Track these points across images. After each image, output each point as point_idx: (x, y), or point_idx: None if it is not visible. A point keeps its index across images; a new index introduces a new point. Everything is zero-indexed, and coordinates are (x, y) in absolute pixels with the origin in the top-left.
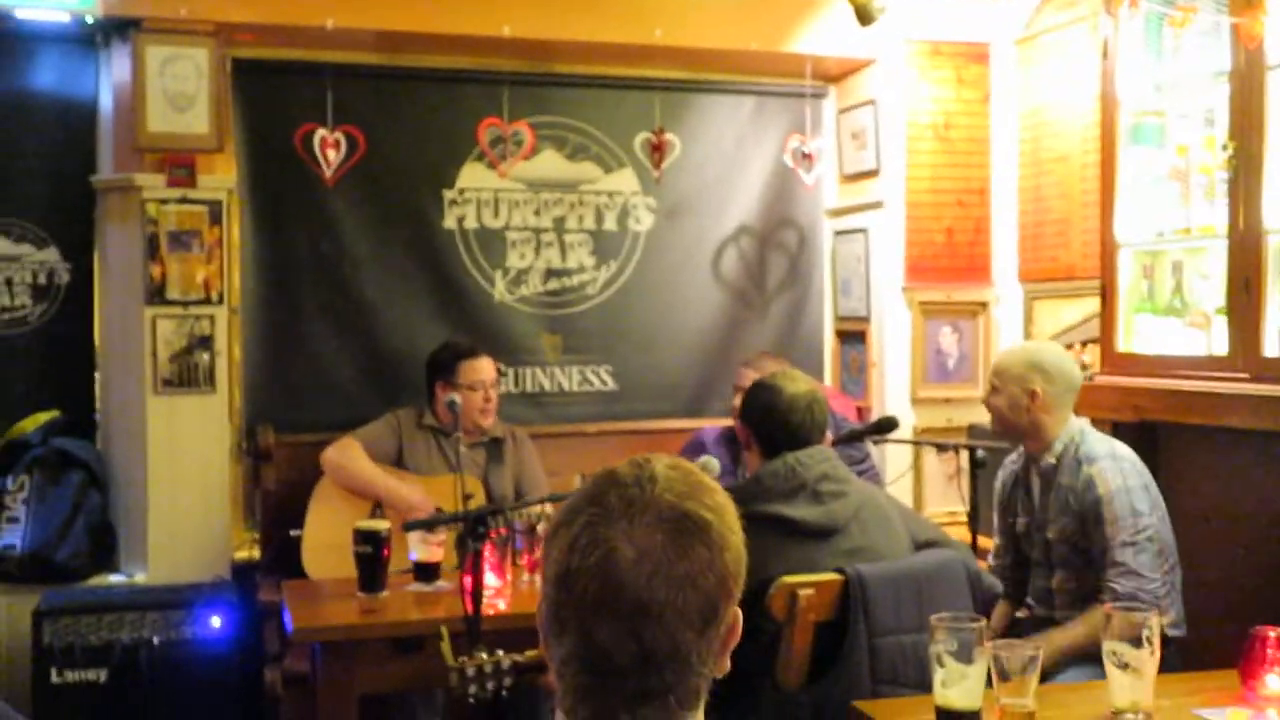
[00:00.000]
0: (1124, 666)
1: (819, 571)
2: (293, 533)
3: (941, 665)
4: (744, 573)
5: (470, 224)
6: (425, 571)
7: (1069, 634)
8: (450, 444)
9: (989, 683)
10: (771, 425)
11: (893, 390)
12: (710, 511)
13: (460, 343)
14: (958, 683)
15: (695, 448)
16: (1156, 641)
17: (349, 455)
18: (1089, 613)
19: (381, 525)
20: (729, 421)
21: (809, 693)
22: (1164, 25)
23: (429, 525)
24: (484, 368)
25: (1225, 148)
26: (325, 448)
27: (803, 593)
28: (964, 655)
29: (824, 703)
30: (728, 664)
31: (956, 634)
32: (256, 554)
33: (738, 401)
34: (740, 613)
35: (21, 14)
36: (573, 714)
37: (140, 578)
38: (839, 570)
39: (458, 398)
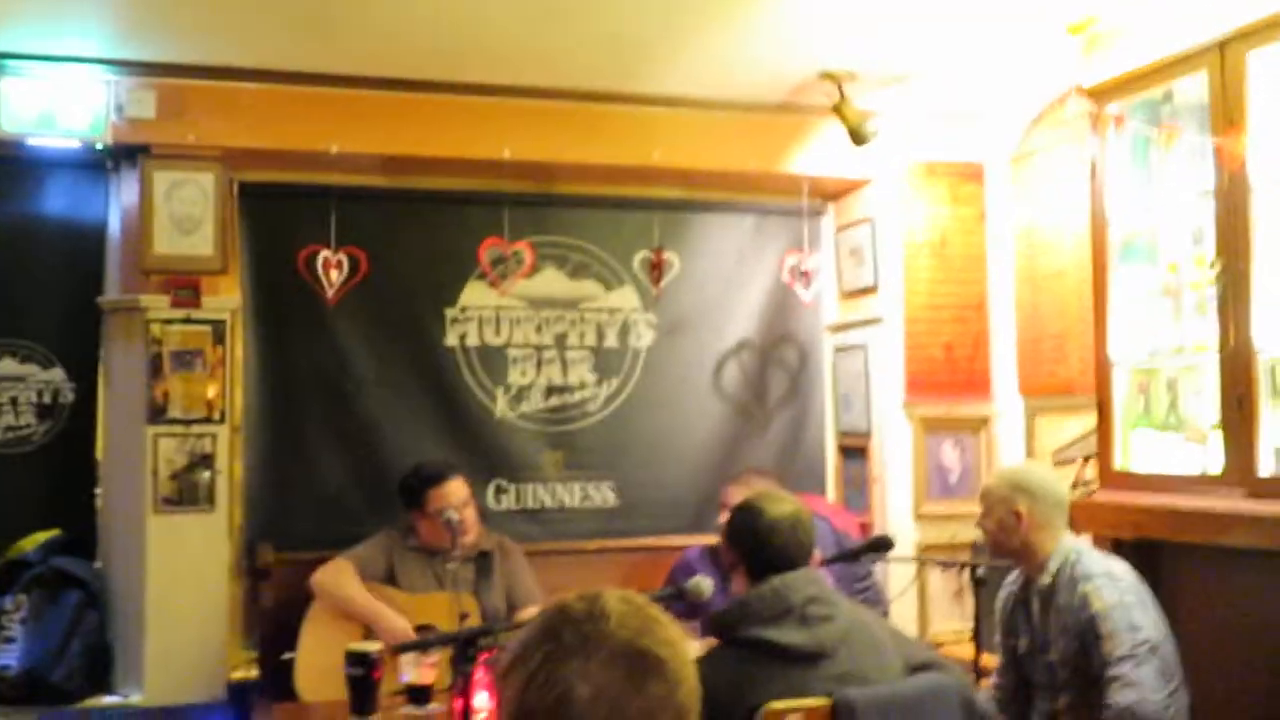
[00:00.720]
0: None
1: (807, 697)
2: (285, 656)
3: None
4: (699, 707)
5: (472, 341)
6: (418, 694)
7: None
8: (438, 563)
9: None
10: (755, 548)
11: (895, 506)
12: (665, 646)
13: (427, 468)
14: None
15: (684, 569)
16: None
17: (338, 579)
18: None
19: (373, 647)
20: (713, 539)
21: None
22: (1150, 146)
23: (421, 647)
24: (452, 493)
25: (1212, 266)
26: (315, 571)
27: (790, 719)
28: None
29: None
30: None
31: None
32: (254, 674)
33: (724, 519)
34: None
35: (33, 142)
36: None
37: (136, 699)
38: (827, 695)
39: (454, 514)
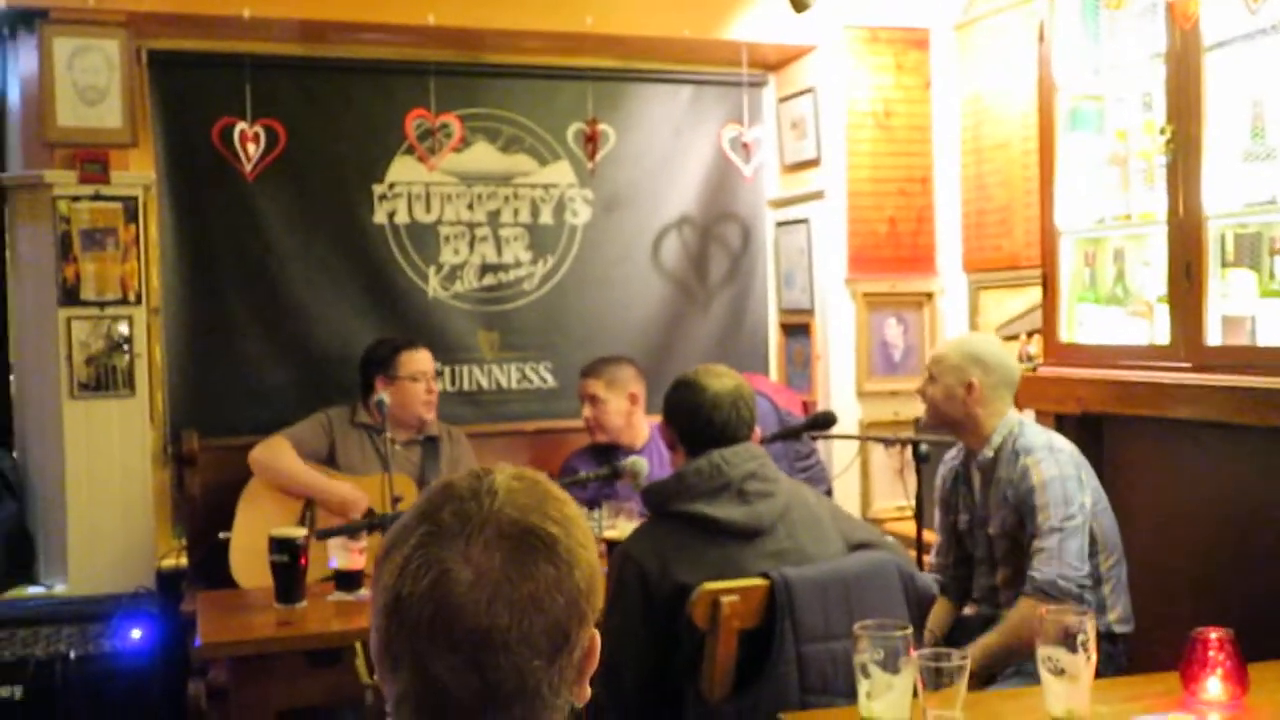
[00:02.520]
0: (1059, 672)
1: (744, 575)
2: (221, 535)
3: (867, 675)
4: (599, 591)
5: (401, 219)
6: (347, 580)
7: (994, 634)
8: (382, 442)
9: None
10: (695, 424)
11: (838, 383)
12: (556, 525)
13: (396, 337)
14: (883, 694)
15: (568, 474)
16: (1092, 646)
17: (278, 454)
18: (1014, 609)
19: (298, 533)
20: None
21: (735, 704)
22: (1100, 7)
23: (347, 532)
24: (424, 359)
25: (1163, 132)
26: (253, 448)
27: (726, 599)
28: (890, 665)
29: (751, 714)
30: (588, 691)
31: (882, 643)
32: (183, 561)
33: (587, 413)
34: (598, 635)
35: None
36: None
37: (60, 589)
38: (764, 574)
39: (387, 397)
